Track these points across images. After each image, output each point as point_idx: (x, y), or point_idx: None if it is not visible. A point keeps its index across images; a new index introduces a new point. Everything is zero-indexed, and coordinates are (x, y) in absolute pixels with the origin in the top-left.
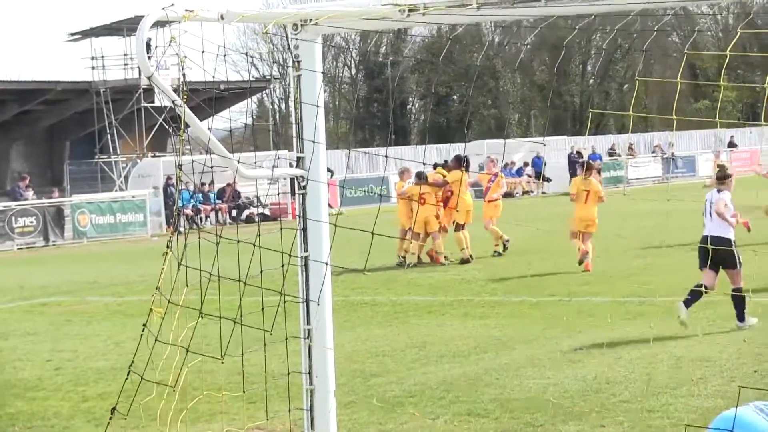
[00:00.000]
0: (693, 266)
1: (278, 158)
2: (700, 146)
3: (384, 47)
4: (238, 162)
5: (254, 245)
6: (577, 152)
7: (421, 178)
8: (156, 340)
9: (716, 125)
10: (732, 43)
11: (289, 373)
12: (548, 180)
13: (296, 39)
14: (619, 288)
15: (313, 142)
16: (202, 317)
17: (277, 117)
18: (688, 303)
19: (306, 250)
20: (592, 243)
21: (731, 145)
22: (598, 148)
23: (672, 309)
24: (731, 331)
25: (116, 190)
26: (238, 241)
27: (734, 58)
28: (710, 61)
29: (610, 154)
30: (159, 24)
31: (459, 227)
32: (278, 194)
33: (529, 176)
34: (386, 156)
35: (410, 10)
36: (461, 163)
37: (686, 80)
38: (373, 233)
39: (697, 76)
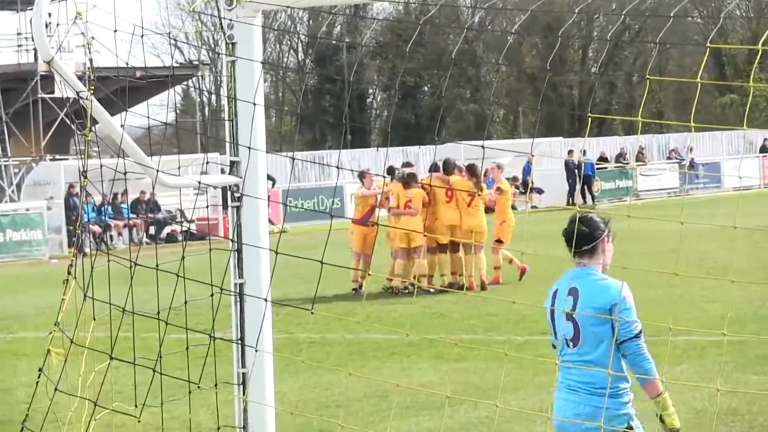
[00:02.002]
0: (712, 299)
1: (207, 163)
2: (726, 150)
3: (339, 27)
4: (158, 168)
5: (177, 274)
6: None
7: (407, 179)
8: (56, 388)
9: (745, 125)
10: (766, 34)
11: (219, 429)
12: (540, 192)
13: (230, 16)
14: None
15: (249, 148)
16: (112, 360)
17: (206, 112)
18: None
19: (241, 277)
20: None
21: (764, 149)
22: (601, 151)
23: (688, 350)
24: (763, 374)
25: (6, 201)
26: (157, 266)
27: None
28: (739, 44)
29: (606, 160)
30: None
31: (454, 247)
32: (207, 207)
33: (516, 187)
34: (338, 166)
35: None
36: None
37: (709, 76)
38: (322, 263)
39: (723, 64)
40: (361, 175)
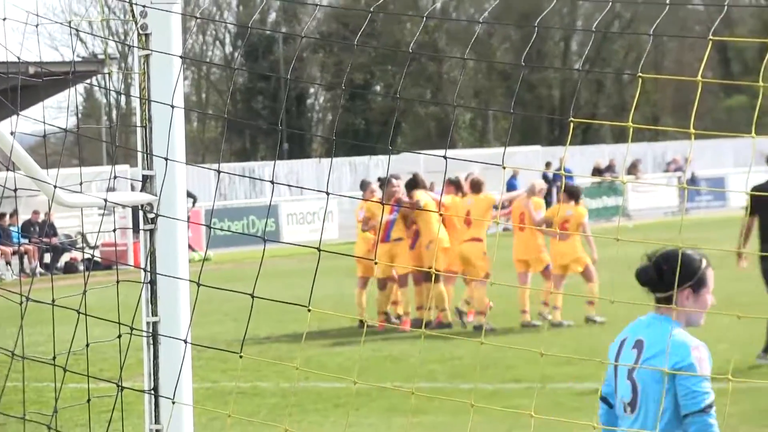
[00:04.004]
0: (716, 338)
1: (115, 178)
2: (732, 162)
3: (274, 14)
4: (55, 184)
5: (78, 311)
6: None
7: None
8: None
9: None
10: None
11: None
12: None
13: (143, 2)
14: None
15: (166, 159)
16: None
17: (115, 117)
18: None
19: (154, 314)
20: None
21: None
22: (585, 162)
23: None
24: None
25: None
26: (54, 301)
27: None
28: (748, 35)
29: (600, 173)
30: None
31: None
32: (114, 231)
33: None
34: (273, 181)
35: None
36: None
37: (713, 74)
38: (253, 296)
39: (729, 61)
40: (365, 186)
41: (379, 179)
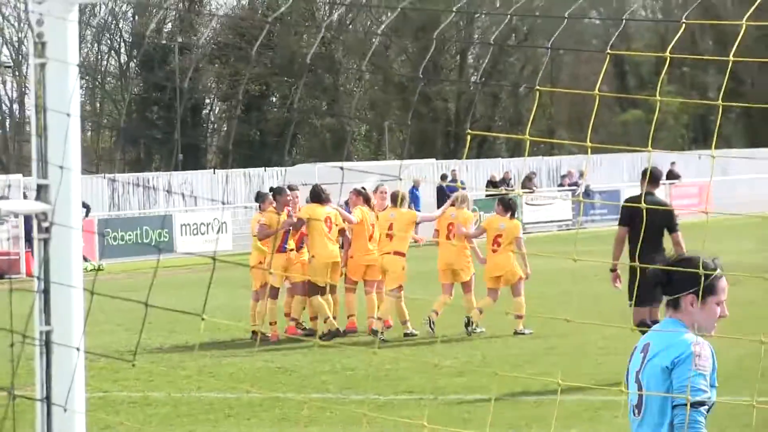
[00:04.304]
0: (609, 351)
1: (9, 186)
2: (627, 176)
3: (170, 24)
4: None
5: None
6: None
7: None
8: None
9: (649, 147)
10: (675, 39)
11: None
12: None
13: (40, 10)
14: (507, 381)
15: (62, 168)
16: None
17: (8, 125)
18: None
19: (48, 323)
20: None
21: (672, 176)
22: (481, 176)
23: (579, 411)
24: None
25: None
26: None
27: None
28: (644, 50)
29: (495, 185)
30: None
31: (322, 290)
32: (8, 240)
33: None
34: (168, 190)
35: None
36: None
37: (609, 87)
38: (147, 305)
39: (626, 74)
40: (261, 198)
41: (272, 189)
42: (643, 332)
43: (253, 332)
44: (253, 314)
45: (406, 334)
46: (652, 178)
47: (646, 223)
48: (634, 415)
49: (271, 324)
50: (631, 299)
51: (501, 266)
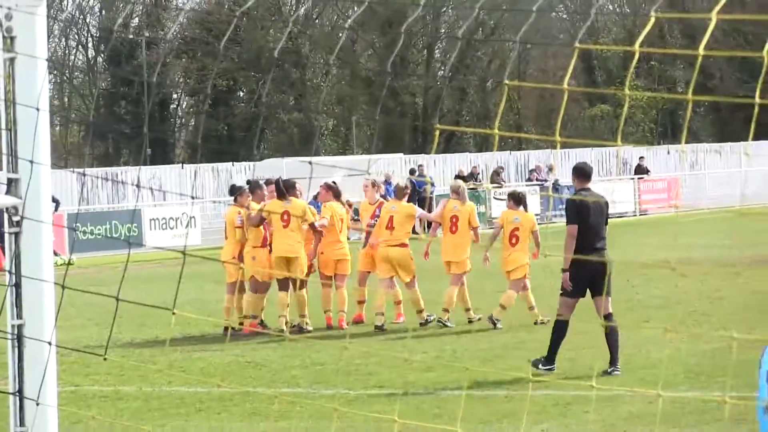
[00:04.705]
0: (579, 345)
1: None
2: (596, 171)
3: (137, 18)
4: None
5: None
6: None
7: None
8: None
9: (618, 141)
10: (644, 33)
11: None
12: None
13: (8, 4)
14: (477, 376)
15: (31, 162)
16: None
17: None
18: None
19: (19, 317)
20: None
21: (640, 170)
22: (448, 170)
23: (548, 406)
24: None
25: None
26: None
27: (646, 46)
28: (612, 44)
29: (463, 180)
30: None
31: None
32: None
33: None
34: (136, 185)
35: None
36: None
37: (577, 82)
38: (118, 299)
39: (594, 69)
40: (236, 190)
41: (249, 182)
42: (559, 324)
43: (225, 328)
44: (227, 308)
45: (422, 324)
46: (584, 174)
47: (596, 219)
48: (765, 414)
49: (246, 317)
50: (563, 290)
51: (515, 261)
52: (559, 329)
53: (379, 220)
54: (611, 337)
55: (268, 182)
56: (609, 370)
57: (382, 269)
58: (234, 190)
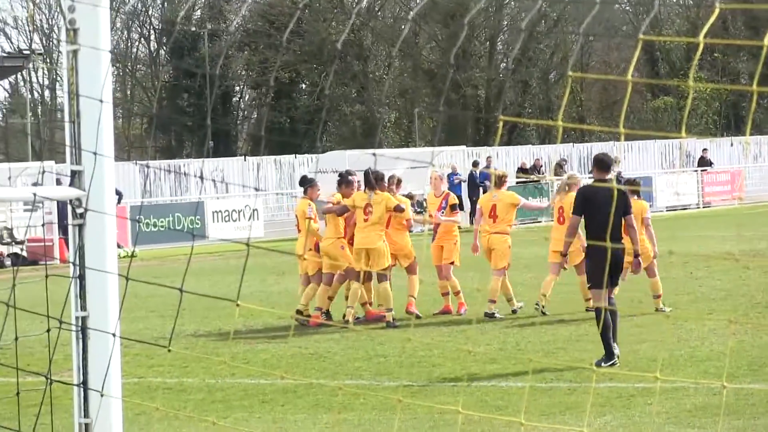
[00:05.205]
0: (642, 338)
1: (42, 173)
2: (659, 163)
3: (199, 11)
4: None
5: (8, 304)
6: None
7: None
8: None
9: (682, 133)
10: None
11: None
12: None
13: None
14: (540, 368)
15: (95, 154)
16: None
17: (40, 112)
18: None
19: (83, 309)
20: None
21: (704, 162)
22: (511, 163)
23: (612, 399)
24: (700, 427)
25: None
26: None
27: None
28: (675, 36)
29: (526, 173)
30: None
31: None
32: (42, 226)
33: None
34: (199, 176)
35: None
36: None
37: (640, 74)
38: (182, 290)
39: (657, 61)
40: (307, 182)
41: (341, 174)
42: (598, 315)
43: (299, 311)
44: (307, 295)
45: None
46: (603, 165)
47: (605, 210)
48: None
49: (316, 309)
50: (590, 282)
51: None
52: (600, 320)
53: (479, 210)
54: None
55: (348, 173)
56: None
57: (489, 258)
58: (304, 182)
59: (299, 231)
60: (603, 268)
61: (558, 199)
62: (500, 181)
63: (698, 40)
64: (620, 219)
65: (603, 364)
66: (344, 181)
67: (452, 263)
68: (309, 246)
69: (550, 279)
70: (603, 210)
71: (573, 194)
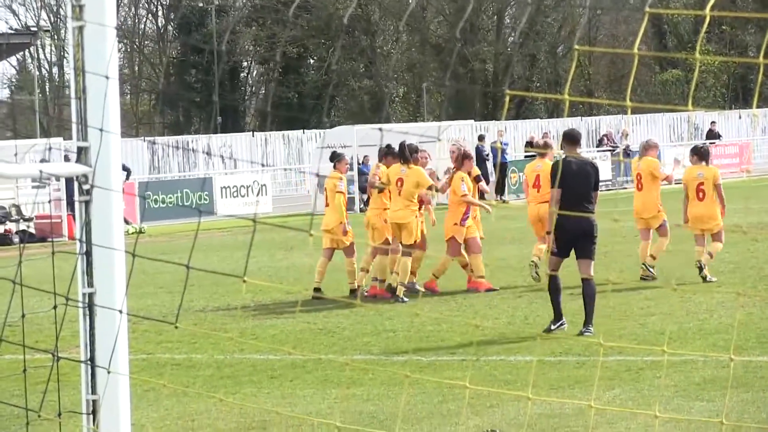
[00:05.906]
0: (650, 312)
1: (49, 149)
2: (667, 136)
3: None
4: None
5: (14, 281)
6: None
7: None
8: None
9: (690, 106)
10: None
11: None
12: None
13: None
14: (548, 342)
15: (101, 130)
16: None
17: (47, 89)
18: None
19: (90, 285)
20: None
21: (712, 135)
22: (519, 137)
23: (621, 372)
24: (709, 400)
25: None
26: None
27: (717, 10)
28: (683, 8)
29: (531, 145)
30: None
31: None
32: (49, 202)
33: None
34: (207, 152)
35: None
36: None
37: (648, 47)
38: (189, 267)
39: (664, 34)
40: (337, 157)
41: (385, 148)
42: (554, 278)
43: (351, 290)
44: (321, 271)
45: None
46: (573, 139)
47: (577, 182)
48: None
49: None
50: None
51: (708, 217)
52: (551, 286)
53: (525, 180)
54: (587, 296)
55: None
56: (582, 331)
57: (537, 229)
58: (334, 157)
59: (327, 205)
60: (564, 238)
61: (634, 167)
62: (544, 150)
63: (705, 12)
64: (589, 191)
65: (552, 326)
66: (390, 153)
67: (452, 239)
68: (340, 219)
69: (644, 245)
70: (575, 182)
71: (649, 159)
